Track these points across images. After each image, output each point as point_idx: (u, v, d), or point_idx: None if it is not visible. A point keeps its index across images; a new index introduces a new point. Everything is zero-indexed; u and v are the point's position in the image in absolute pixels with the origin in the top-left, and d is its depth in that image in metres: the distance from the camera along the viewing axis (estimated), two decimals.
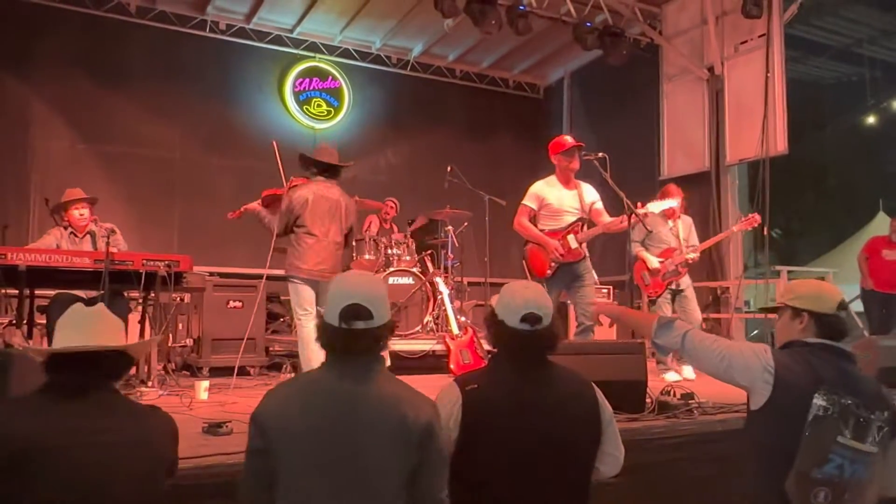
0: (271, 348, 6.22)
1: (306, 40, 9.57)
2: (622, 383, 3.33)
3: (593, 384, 2.14)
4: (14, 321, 4.66)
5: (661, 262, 5.63)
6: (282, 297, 7.32)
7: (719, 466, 3.20)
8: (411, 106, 10.17)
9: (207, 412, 3.60)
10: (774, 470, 2.05)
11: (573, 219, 4.87)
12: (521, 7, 7.54)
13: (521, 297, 2.08)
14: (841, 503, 1.98)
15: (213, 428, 3.04)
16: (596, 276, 5.12)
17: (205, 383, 4.26)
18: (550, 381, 2.09)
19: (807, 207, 18.11)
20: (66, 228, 5.13)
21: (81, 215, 5.11)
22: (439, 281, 6.67)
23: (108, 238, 4.49)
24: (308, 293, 4.50)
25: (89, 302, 4.77)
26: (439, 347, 6.08)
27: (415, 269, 6.97)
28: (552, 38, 9.24)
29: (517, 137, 10.87)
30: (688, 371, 5.39)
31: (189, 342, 5.91)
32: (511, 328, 2.05)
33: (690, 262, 5.69)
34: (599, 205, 5.00)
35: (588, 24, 7.95)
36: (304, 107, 9.58)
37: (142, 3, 8.56)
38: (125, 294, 5.03)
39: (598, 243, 5.01)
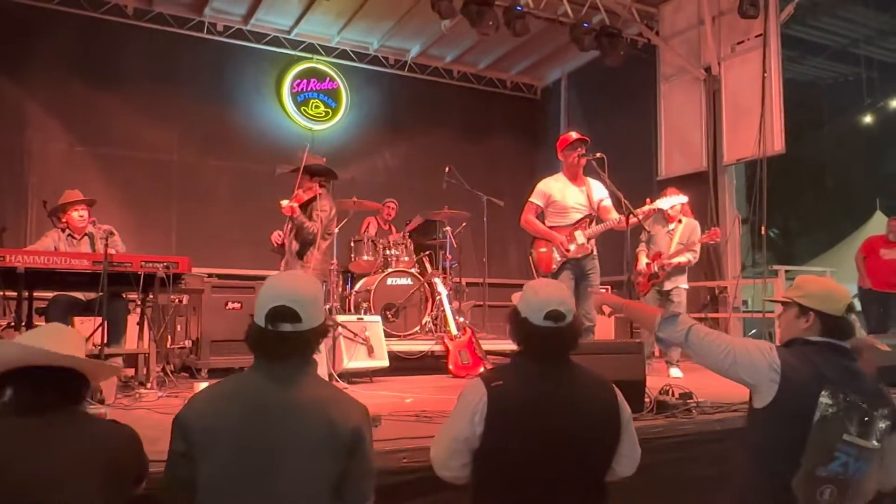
0: None
1: (304, 41, 9.57)
2: (621, 383, 3.30)
3: (613, 384, 2.16)
4: (12, 323, 4.66)
5: (647, 264, 5.83)
6: None
7: (718, 466, 3.20)
8: (409, 107, 10.18)
9: None
10: (776, 468, 2.06)
11: (580, 216, 4.90)
12: (518, 8, 7.55)
13: (545, 294, 2.10)
14: (845, 499, 2.00)
15: None
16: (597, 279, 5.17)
17: (204, 385, 4.25)
18: (573, 379, 2.11)
19: (804, 207, 18.13)
20: (63, 230, 5.13)
21: (81, 217, 5.12)
22: (438, 282, 6.68)
23: (107, 240, 4.48)
24: None
25: (88, 304, 4.77)
26: (438, 348, 6.09)
27: (413, 270, 6.97)
28: (549, 39, 9.25)
29: (515, 138, 10.89)
30: (675, 371, 5.52)
31: (188, 344, 5.90)
32: (534, 325, 2.07)
33: (675, 266, 5.77)
34: (608, 202, 5.04)
35: (585, 24, 7.97)
36: (302, 108, 9.58)
37: (139, 5, 8.56)
38: (124, 296, 5.04)
39: (596, 243, 5.02)
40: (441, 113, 10.38)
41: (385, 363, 5.31)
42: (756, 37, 7.56)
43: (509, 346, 5.52)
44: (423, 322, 6.79)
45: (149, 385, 4.47)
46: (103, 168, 8.26)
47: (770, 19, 7.39)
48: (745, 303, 8.67)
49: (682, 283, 5.86)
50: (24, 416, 1.71)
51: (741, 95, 7.74)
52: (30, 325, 4.74)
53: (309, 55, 9.68)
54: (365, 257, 7.19)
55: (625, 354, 3.62)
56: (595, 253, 5.03)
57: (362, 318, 5.46)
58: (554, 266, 4.85)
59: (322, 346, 2.02)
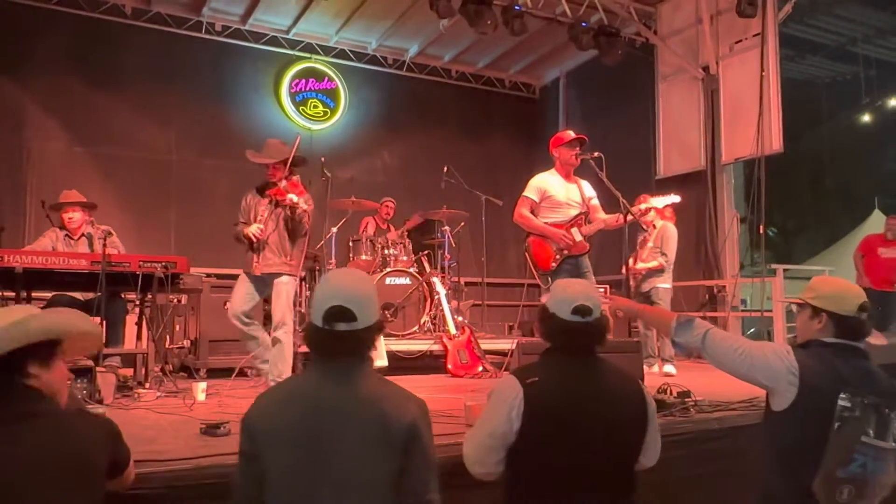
0: None
1: (302, 41, 9.56)
2: None
3: (638, 378, 2.18)
4: None
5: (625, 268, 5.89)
6: None
7: (716, 464, 3.21)
8: (408, 106, 10.17)
9: (205, 413, 3.60)
10: (796, 470, 2.09)
11: (575, 212, 4.86)
12: (517, 7, 7.55)
13: (572, 290, 2.17)
14: (864, 496, 2.04)
15: (211, 429, 3.04)
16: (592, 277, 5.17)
17: (202, 384, 4.25)
18: (602, 373, 2.15)
19: (803, 206, 18.13)
20: (61, 230, 5.14)
21: (70, 219, 5.12)
22: (436, 281, 6.68)
23: (105, 240, 4.49)
24: None
25: (86, 304, 4.78)
26: (436, 347, 6.10)
27: (412, 270, 6.98)
28: (548, 39, 9.25)
29: (513, 137, 10.89)
30: (668, 367, 5.57)
31: (186, 343, 5.91)
32: (563, 320, 2.12)
33: (642, 271, 5.88)
34: (596, 201, 5.03)
35: (583, 23, 7.97)
36: (301, 108, 9.57)
37: (137, 4, 8.55)
38: (122, 296, 5.05)
39: (595, 243, 5.01)
40: (439, 112, 10.38)
41: (384, 363, 5.32)
42: (754, 36, 7.56)
43: (509, 345, 5.54)
44: (422, 321, 6.79)
45: (147, 385, 4.48)
46: (102, 168, 8.26)
47: (768, 18, 7.39)
48: (743, 302, 8.68)
49: (660, 283, 5.86)
50: None
51: (739, 94, 7.74)
52: None
53: (307, 55, 9.67)
54: (363, 256, 7.19)
55: (622, 354, 3.63)
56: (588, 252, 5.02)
57: None
58: (552, 263, 4.79)
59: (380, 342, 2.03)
